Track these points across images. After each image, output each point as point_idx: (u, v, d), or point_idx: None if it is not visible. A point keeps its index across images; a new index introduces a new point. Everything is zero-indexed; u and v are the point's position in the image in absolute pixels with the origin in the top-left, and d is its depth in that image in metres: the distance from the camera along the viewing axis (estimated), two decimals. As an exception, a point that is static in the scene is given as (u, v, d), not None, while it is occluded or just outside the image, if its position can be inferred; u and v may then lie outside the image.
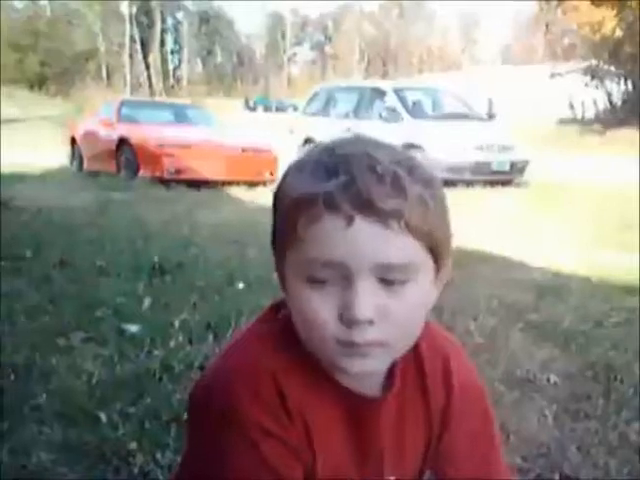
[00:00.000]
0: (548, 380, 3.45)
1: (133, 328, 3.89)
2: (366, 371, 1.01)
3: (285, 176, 1.01)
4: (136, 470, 2.42)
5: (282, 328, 1.05)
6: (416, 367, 1.14)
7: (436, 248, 0.99)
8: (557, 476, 2.53)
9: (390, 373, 1.10)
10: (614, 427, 2.95)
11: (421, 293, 0.99)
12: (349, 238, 0.91)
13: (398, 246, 0.94)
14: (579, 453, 2.71)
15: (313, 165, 0.97)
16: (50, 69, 44.94)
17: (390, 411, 1.11)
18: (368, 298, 0.94)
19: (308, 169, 0.97)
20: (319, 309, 0.95)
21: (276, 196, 1.02)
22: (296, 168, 1.00)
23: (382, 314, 0.95)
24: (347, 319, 0.94)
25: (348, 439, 1.08)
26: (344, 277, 0.94)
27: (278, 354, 1.03)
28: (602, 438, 2.84)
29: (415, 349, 1.10)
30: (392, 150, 1.00)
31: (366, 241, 0.92)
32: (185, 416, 2.27)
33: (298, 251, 0.95)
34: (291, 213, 0.95)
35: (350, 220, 0.91)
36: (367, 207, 0.91)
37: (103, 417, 2.78)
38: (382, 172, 0.93)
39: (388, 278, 0.95)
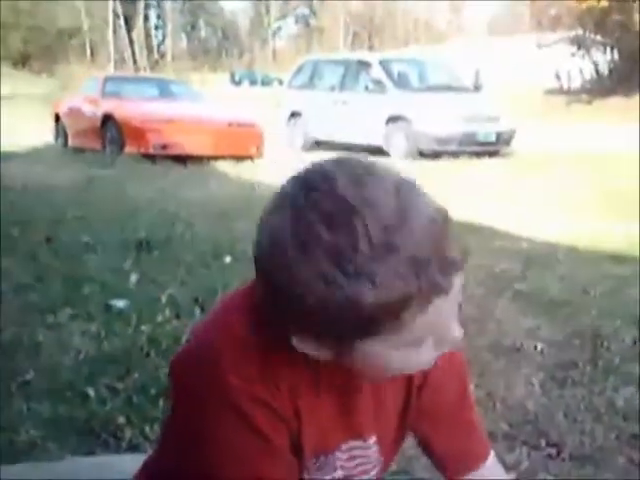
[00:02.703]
0: (535, 348, 3.47)
1: (120, 304, 3.88)
2: None
3: (323, 279, 0.86)
4: (125, 444, 2.43)
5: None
6: None
7: None
8: (544, 442, 2.54)
9: None
10: (601, 394, 2.97)
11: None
12: (450, 298, 0.92)
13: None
14: (566, 420, 2.73)
15: (385, 268, 0.86)
16: (33, 47, 44.53)
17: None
18: (452, 312, 0.97)
19: (379, 273, 0.86)
20: (422, 356, 0.99)
21: (319, 299, 0.88)
22: (339, 268, 0.86)
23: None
24: (446, 346, 1.01)
25: (332, 405, 1.09)
26: None
27: (264, 325, 1.02)
28: (589, 405, 2.86)
29: None
30: (404, 183, 0.93)
31: (457, 292, 0.93)
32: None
33: (397, 335, 0.91)
34: (382, 313, 0.87)
35: (449, 290, 0.90)
36: (456, 269, 0.91)
37: (91, 392, 2.78)
38: (435, 217, 0.91)
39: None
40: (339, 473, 1.14)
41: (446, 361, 1.15)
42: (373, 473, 1.19)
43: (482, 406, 2.78)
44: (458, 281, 0.92)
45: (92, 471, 1.71)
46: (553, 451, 2.49)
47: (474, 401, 1.26)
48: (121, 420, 2.56)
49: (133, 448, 2.38)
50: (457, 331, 0.98)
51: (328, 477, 1.13)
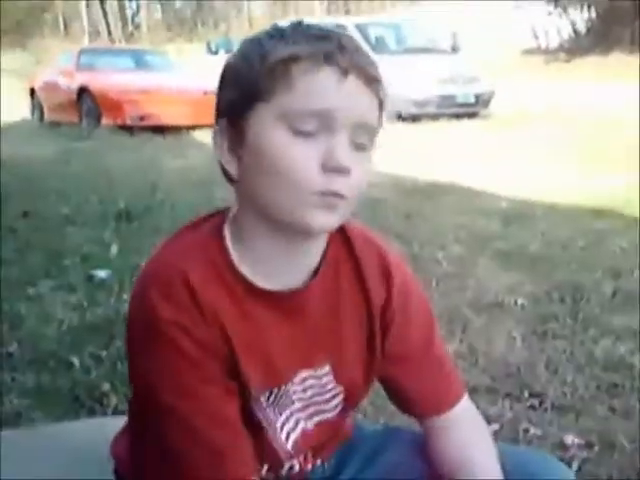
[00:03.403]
0: (516, 303, 3.50)
1: (102, 274, 3.88)
2: (328, 227, 1.05)
3: (253, 44, 1.04)
4: (110, 411, 2.44)
5: (199, 233, 1.10)
6: (352, 264, 1.16)
7: (379, 128, 1.07)
8: (526, 394, 2.58)
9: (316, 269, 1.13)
10: (581, 345, 3.01)
11: (369, 166, 1.06)
12: (342, 90, 0.99)
13: (374, 111, 1.04)
14: (547, 371, 2.77)
15: (295, 33, 1.03)
16: (5, 21, 43.93)
17: (318, 301, 1.13)
18: (348, 149, 1.01)
19: (291, 36, 1.02)
20: (304, 157, 0.99)
21: (242, 59, 1.04)
22: (269, 37, 1.03)
23: (353, 169, 1.01)
24: (331, 166, 0.99)
25: (274, 333, 1.10)
26: (328, 128, 1.00)
27: (187, 256, 1.06)
28: (569, 356, 2.90)
29: (349, 246, 1.15)
30: None
31: (355, 96, 1.00)
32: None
33: (286, 101, 0.99)
34: (281, 66, 0.99)
35: (345, 74, 0.99)
36: (359, 67, 1.00)
37: (75, 361, 2.79)
38: (360, 47, 1.04)
39: (358, 141, 1.02)
40: (297, 406, 1.16)
41: (403, 288, 1.19)
42: (335, 402, 1.19)
43: (465, 361, 2.82)
44: (363, 94, 1.01)
45: (77, 435, 1.71)
46: (535, 402, 2.53)
47: (436, 326, 1.26)
48: (106, 387, 2.57)
49: (119, 414, 2.39)
50: (344, 157, 0.99)
51: (287, 411, 1.15)
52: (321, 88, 0.99)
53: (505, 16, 26.88)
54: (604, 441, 2.26)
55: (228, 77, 1.06)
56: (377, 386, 1.26)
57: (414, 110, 12.59)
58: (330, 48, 1.00)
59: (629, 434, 2.29)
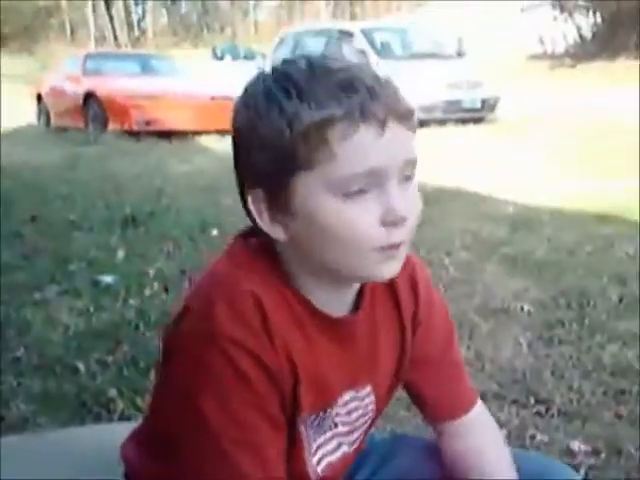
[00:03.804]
0: (522, 309, 3.49)
1: (108, 279, 3.88)
2: (396, 274, 1.03)
3: (272, 107, 0.96)
4: (117, 416, 2.44)
5: (256, 253, 1.05)
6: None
7: None
8: (532, 400, 2.57)
9: (359, 291, 1.11)
10: (588, 351, 3.00)
11: (417, 193, 1.03)
12: (384, 143, 0.95)
13: (413, 143, 1.00)
14: (554, 377, 2.76)
15: (316, 86, 0.95)
16: (12, 26, 44.02)
17: (363, 326, 1.12)
18: (402, 197, 0.98)
19: (312, 91, 0.95)
20: (363, 219, 0.96)
21: (269, 128, 0.96)
22: (285, 94, 0.96)
23: (408, 212, 0.99)
24: (391, 221, 0.97)
25: (328, 356, 1.08)
26: (380, 182, 0.97)
27: (257, 276, 1.02)
28: (576, 362, 2.90)
29: None
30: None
31: (397, 142, 0.96)
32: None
33: (330, 169, 0.95)
34: (315, 133, 0.93)
35: (384, 126, 0.94)
36: (395, 112, 0.96)
37: (81, 367, 2.80)
38: (384, 79, 0.98)
39: (407, 174, 0.99)
40: (340, 429, 1.15)
41: (428, 296, 1.20)
42: (369, 423, 1.20)
43: (471, 367, 2.81)
44: (403, 136, 0.97)
45: (83, 441, 1.71)
46: (542, 408, 2.52)
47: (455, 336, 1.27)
48: (112, 393, 2.58)
49: (125, 419, 2.39)
50: (402, 207, 0.97)
51: (328, 433, 1.13)
52: (363, 149, 0.94)
53: (511, 21, 26.87)
54: (611, 447, 2.25)
55: (250, 140, 0.99)
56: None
57: (420, 115, 12.55)
58: (362, 100, 0.94)
59: (636, 440, 2.28)
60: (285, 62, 1.01)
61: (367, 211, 0.96)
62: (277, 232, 1.01)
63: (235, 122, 1.02)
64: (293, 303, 1.04)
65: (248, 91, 1.02)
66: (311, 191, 0.96)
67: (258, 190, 1.00)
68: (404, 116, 0.97)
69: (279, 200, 0.99)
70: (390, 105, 0.95)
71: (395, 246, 0.99)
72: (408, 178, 1.00)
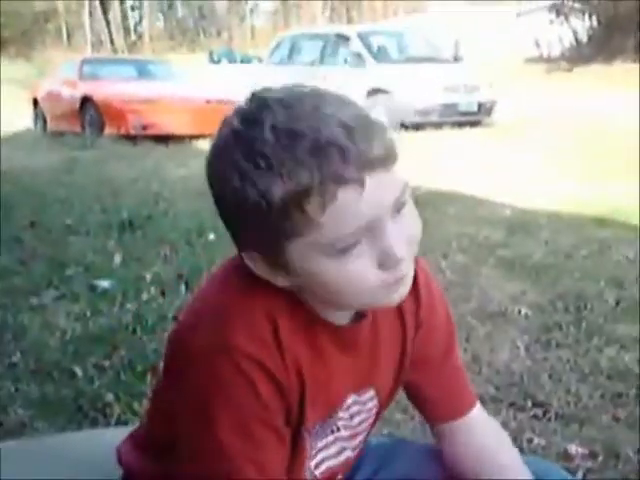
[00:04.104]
0: (519, 312, 3.49)
1: (105, 284, 3.88)
2: (405, 296, 1.03)
3: (244, 181, 0.91)
4: (114, 421, 2.44)
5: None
6: None
7: None
8: (530, 404, 2.57)
9: None
10: (585, 354, 3.01)
11: (413, 207, 1.02)
12: (367, 197, 0.91)
13: (398, 177, 0.97)
14: (551, 381, 2.76)
15: (280, 151, 0.90)
16: (9, 31, 44.01)
17: (366, 331, 1.12)
18: (398, 235, 0.96)
19: (277, 159, 0.90)
20: (359, 270, 0.95)
21: (241, 204, 0.93)
22: (253, 164, 0.91)
23: (407, 242, 0.98)
24: (390, 265, 0.95)
25: (335, 369, 1.09)
26: (371, 231, 0.94)
27: (267, 289, 1.02)
28: (573, 365, 2.90)
29: None
30: (328, 97, 0.97)
31: (381, 189, 0.93)
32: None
33: (316, 235, 0.92)
34: (292, 207, 0.90)
35: (362, 184, 0.91)
36: (369, 165, 0.91)
37: (79, 371, 2.79)
38: (354, 126, 0.92)
39: (399, 207, 0.97)
40: (343, 433, 1.15)
41: (430, 298, 1.20)
42: (370, 427, 1.21)
43: (469, 370, 2.78)
44: (386, 179, 0.93)
45: (80, 446, 1.71)
46: (539, 412, 2.52)
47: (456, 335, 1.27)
48: (109, 397, 2.57)
49: (122, 424, 2.39)
50: (398, 247, 0.95)
51: (329, 437, 1.14)
52: (344, 212, 0.91)
53: (507, 25, 26.92)
54: (608, 451, 2.26)
55: (232, 210, 0.97)
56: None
57: (417, 119, 12.60)
58: (334, 167, 0.89)
59: (633, 443, 2.29)
60: (246, 121, 0.94)
61: (364, 261, 0.95)
62: (278, 280, 1.00)
63: (212, 187, 0.98)
64: (301, 312, 1.04)
65: (215, 158, 0.98)
66: (306, 255, 0.95)
67: (252, 252, 0.99)
68: (383, 161, 0.93)
69: (275, 258, 0.97)
70: (366, 158, 0.91)
71: (399, 279, 0.99)
72: (402, 206, 0.98)
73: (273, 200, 0.89)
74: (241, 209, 0.93)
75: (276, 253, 0.96)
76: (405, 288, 1.01)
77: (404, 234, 0.97)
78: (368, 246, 0.95)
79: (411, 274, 1.02)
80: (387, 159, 0.94)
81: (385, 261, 0.95)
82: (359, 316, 1.11)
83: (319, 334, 1.06)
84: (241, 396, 0.99)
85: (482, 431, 1.24)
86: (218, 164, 0.96)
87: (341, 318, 1.09)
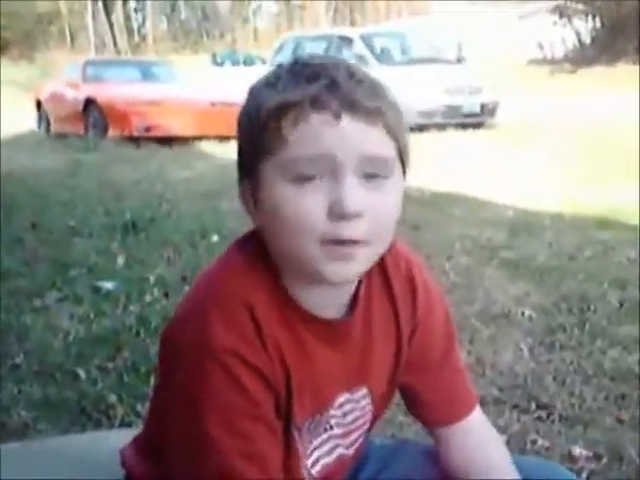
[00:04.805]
0: (523, 314, 3.49)
1: (108, 285, 3.88)
2: (349, 276, 1.02)
3: (253, 94, 1.02)
4: (117, 422, 2.44)
5: (250, 258, 1.06)
6: (382, 279, 1.16)
7: (403, 153, 1.04)
8: (533, 405, 2.57)
9: (355, 292, 1.11)
10: (589, 356, 3.00)
11: (397, 192, 1.02)
12: (337, 133, 0.95)
13: (380, 142, 0.99)
14: (555, 383, 2.75)
15: (288, 76, 1.00)
16: (12, 33, 44.08)
17: (357, 328, 1.12)
18: (355, 191, 0.96)
19: (283, 80, 0.99)
20: (307, 204, 0.96)
21: (245, 113, 1.03)
22: (266, 84, 1.01)
23: (368, 209, 0.97)
24: (337, 212, 0.95)
25: (323, 360, 1.09)
26: (332, 172, 0.96)
27: (249, 282, 1.03)
28: (577, 367, 2.89)
29: (380, 261, 1.10)
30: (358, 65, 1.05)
31: (353, 135, 0.96)
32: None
33: (282, 154, 0.96)
34: (272, 120, 0.96)
35: (337, 117, 0.95)
36: (353, 106, 0.96)
37: (82, 373, 2.79)
38: (360, 78, 0.99)
39: (372, 172, 0.98)
40: (336, 431, 1.15)
41: (427, 299, 1.19)
42: (367, 425, 1.20)
43: (472, 372, 2.80)
44: (361, 131, 0.97)
45: (83, 448, 1.71)
46: (543, 414, 2.52)
47: (456, 337, 1.26)
48: (112, 399, 2.57)
49: (125, 426, 2.39)
50: (351, 201, 0.95)
51: (323, 435, 1.14)
52: (312, 135, 0.95)
53: (510, 26, 26.92)
54: (612, 453, 2.25)
55: (239, 130, 1.05)
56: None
57: (420, 120, 12.59)
58: (316, 91, 0.96)
59: (637, 445, 2.28)
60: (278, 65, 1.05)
61: (315, 199, 0.96)
62: (255, 217, 1.05)
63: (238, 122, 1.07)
64: (285, 308, 1.05)
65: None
66: (269, 178, 0.99)
67: (245, 180, 1.05)
68: (367, 112, 0.97)
69: (253, 187, 1.02)
70: (351, 100, 0.96)
71: (343, 242, 0.97)
72: (374, 176, 0.98)
73: (263, 109, 0.98)
74: (241, 123, 1.04)
75: (252, 173, 1.01)
76: (349, 267, 1.00)
77: (367, 203, 0.97)
78: (324, 190, 0.96)
79: (365, 258, 1.01)
80: (374, 114, 0.98)
81: (334, 209, 0.96)
82: (350, 310, 1.11)
83: (305, 328, 1.06)
84: (227, 391, 0.99)
85: (479, 435, 1.23)
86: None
87: (330, 311, 1.08)
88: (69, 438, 1.99)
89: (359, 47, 14.08)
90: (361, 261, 1.00)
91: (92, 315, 3.44)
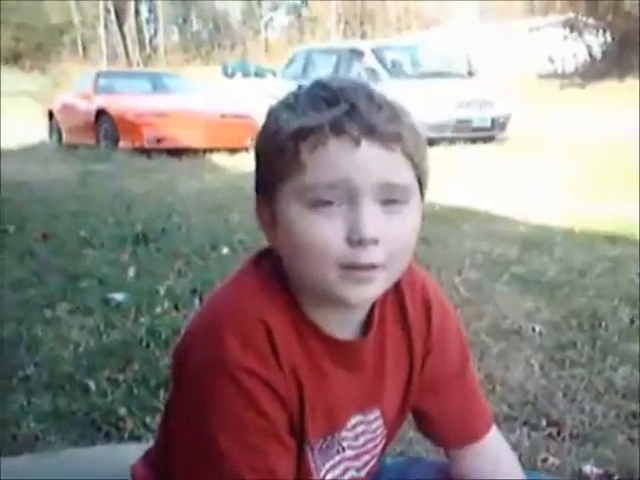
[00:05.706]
0: (534, 330, 3.47)
1: (119, 297, 3.88)
2: (366, 299, 1.02)
3: (272, 116, 1.03)
4: (127, 435, 2.43)
5: (265, 276, 1.06)
6: (396, 300, 1.16)
7: (422, 177, 1.04)
8: (544, 423, 2.55)
9: (369, 313, 1.11)
10: (600, 373, 2.98)
11: (415, 217, 1.03)
12: (355, 159, 0.95)
13: (399, 168, 0.99)
14: (565, 400, 2.74)
15: (307, 99, 1.00)
16: (24, 44, 44.35)
17: (370, 349, 1.12)
18: (373, 218, 0.96)
19: (302, 103, 0.99)
20: (325, 230, 0.96)
21: (264, 135, 1.03)
22: (286, 106, 1.01)
23: (385, 235, 0.98)
24: (355, 239, 0.96)
25: (336, 383, 1.09)
26: (350, 198, 0.96)
27: (264, 301, 1.04)
28: (588, 384, 2.87)
29: (395, 282, 1.10)
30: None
31: (372, 161, 0.96)
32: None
33: (300, 178, 0.97)
34: (291, 143, 0.97)
35: (357, 142, 0.95)
36: (371, 131, 0.96)
37: (92, 385, 2.79)
38: (380, 102, 0.99)
39: (390, 198, 0.98)
40: (348, 453, 1.14)
41: (443, 321, 1.19)
42: (379, 448, 1.20)
43: (482, 388, 2.78)
44: (381, 157, 0.97)
45: (93, 461, 1.71)
46: (553, 431, 2.50)
47: (469, 354, 1.26)
48: (122, 411, 2.57)
49: (135, 439, 2.39)
50: (370, 228, 0.96)
51: (336, 457, 1.13)
52: (331, 160, 0.96)
53: (520, 40, 26.92)
54: (623, 471, 2.23)
55: (257, 151, 1.05)
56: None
57: (431, 134, 12.56)
58: (336, 116, 0.96)
59: (649, 464, 2.26)
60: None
61: (332, 225, 0.96)
62: (271, 235, 1.05)
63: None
64: (300, 327, 1.05)
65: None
66: (286, 201, 0.99)
67: (260, 197, 1.05)
68: (386, 138, 0.97)
69: (270, 207, 1.02)
70: (371, 125, 0.96)
71: (362, 268, 0.97)
72: (394, 203, 0.99)
73: (282, 133, 0.98)
74: (261, 146, 1.04)
75: (269, 194, 1.02)
76: (368, 290, 1.00)
77: (385, 229, 0.97)
78: (341, 216, 0.96)
79: (382, 281, 1.01)
80: (393, 140, 0.98)
81: (352, 235, 0.96)
82: (364, 331, 1.11)
83: (319, 349, 1.06)
84: (239, 407, 1.00)
85: (491, 457, 1.23)
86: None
87: (344, 331, 1.08)
88: (80, 451, 2.00)
89: (370, 60, 14.10)
90: (378, 284, 1.01)
91: (102, 327, 3.44)
